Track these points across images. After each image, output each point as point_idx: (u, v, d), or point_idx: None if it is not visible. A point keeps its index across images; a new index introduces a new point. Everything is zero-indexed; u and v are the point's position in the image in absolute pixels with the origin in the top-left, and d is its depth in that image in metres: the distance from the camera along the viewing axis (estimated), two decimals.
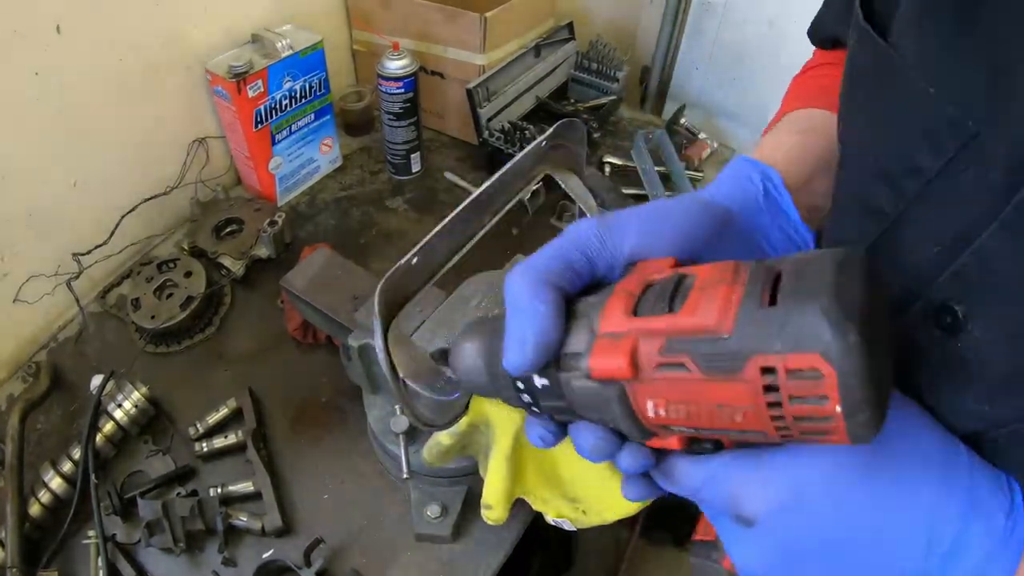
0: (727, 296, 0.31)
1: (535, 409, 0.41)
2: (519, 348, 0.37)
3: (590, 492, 0.74)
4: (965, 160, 0.34)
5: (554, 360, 0.37)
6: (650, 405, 0.34)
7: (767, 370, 0.29)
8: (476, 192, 0.65)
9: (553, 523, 0.78)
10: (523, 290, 0.37)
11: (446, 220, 0.62)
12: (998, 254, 0.33)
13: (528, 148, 0.69)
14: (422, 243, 0.60)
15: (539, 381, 0.39)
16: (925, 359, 0.38)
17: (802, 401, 0.29)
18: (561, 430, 0.42)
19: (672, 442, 0.36)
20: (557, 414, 0.40)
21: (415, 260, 0.58)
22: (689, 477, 0.38)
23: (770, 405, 0.30)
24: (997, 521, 0.33)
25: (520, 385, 0.40)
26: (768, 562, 0.36)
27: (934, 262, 0.36)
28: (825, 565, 0.35)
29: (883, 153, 0.40)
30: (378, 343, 0.58)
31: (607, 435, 0.38)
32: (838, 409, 0.28)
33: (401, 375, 0.63)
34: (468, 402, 0.72)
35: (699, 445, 0.36)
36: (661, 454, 0.38)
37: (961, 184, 0.35)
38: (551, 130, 0.71)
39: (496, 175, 0.67)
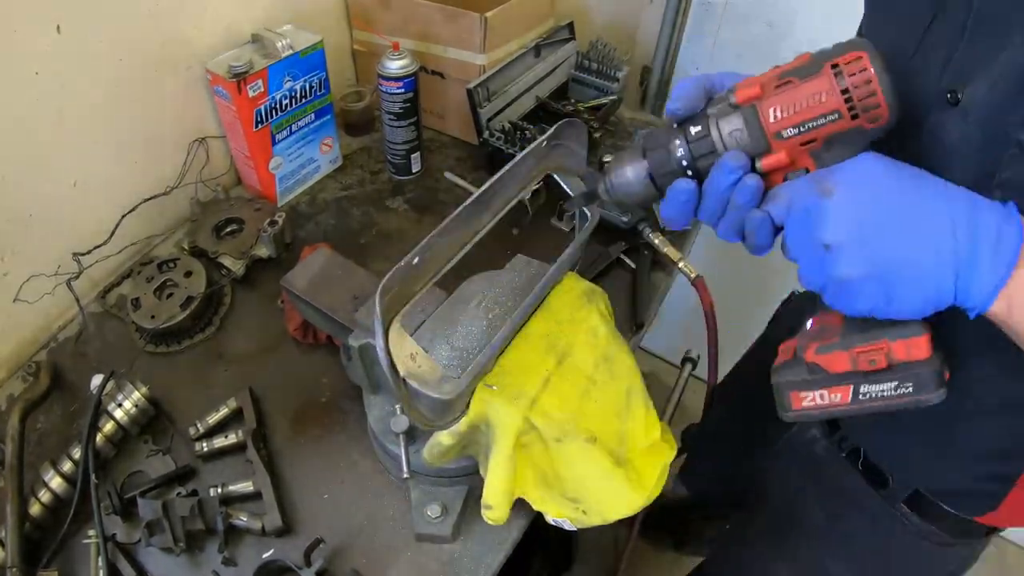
0: (805, 55, 0.56)
1: (684, 164, 0.60)
2: (674, 95, 0.61)
3: (591, 492, 0.74)
4: (941, 16, 0.59)
5: (702, 113, 0.60)
6: (771, 112, 0.55)
7: (835, 66, 0.53)
8: (476, 192, 0.65)
9: (553, 523, 0.78)
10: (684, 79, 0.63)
11: (446, 220, 0.62)
12: (970, 52, 0.56)
13: (529, 148, 0.70)
14: (422, 243, 0.60)
15: (693, 129, 0.59)
16: (944, 124, 0.58)
17: (853, 76, 0.52)
18: (698, 191, 0.61)
19: (781, 157, 0.56)
20: (703, 159, 0.60)
21: (415, 260, 0.58)
22: (788, 188, 0.56)
23: (839, 83, 0.52)
24: (998, 207, 0.50)
25: (678, 142, 0.60)
26: (847, 228, 0.51)
27: (939, 71, 0.58)
28: (882, 236, 0.50)
29: (900, 16, 0.64)
30: (379, 342, 0.58)
31: (740, 155, 0.57)
32: (872, 70, 0.51)
33: (402, 374, 0.63)
34: (468, 402, 0.72)
35: (795, 173, 0.57)
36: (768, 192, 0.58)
37: (948, 26, 0.58)
38: (552, 130, 0.72)
39: (497, 175, 0.67)
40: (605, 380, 0.76)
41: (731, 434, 1.37)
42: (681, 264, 1.06)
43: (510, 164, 0.68)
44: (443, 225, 0.62)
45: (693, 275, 1.02)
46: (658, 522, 1.81)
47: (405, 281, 0.61)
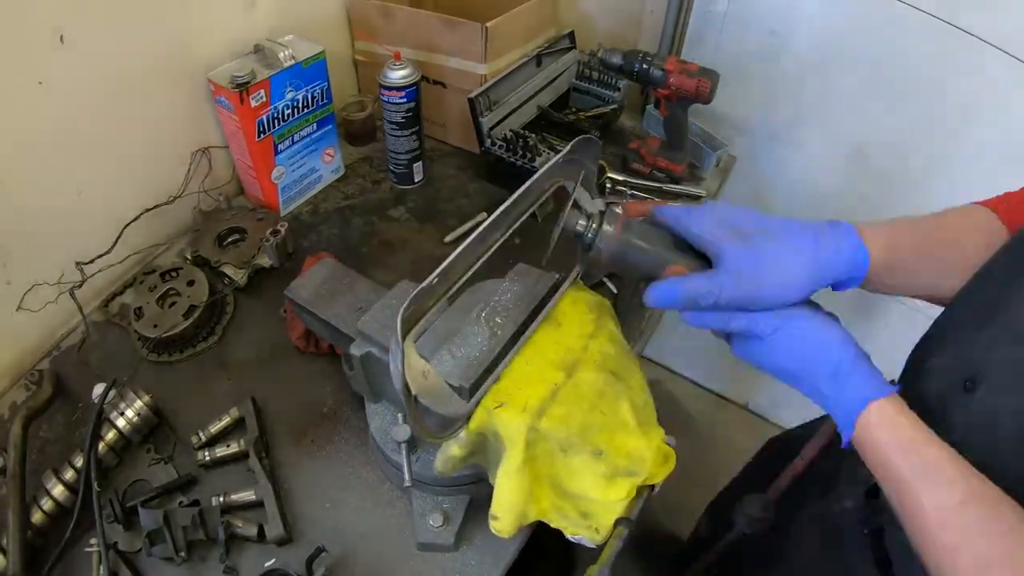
0: None
1: None
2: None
3: (596, 509, 0.73)
4: None
5: None
6: None
7: None
8: (497, 211, 0.65)
9: (574, 540, 0.77)
10: None
11: (466, 243, 0.62)
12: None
13: (547, 165, 0.70)
14: (443, 265, 0.60)
15: None
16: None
17: None
18: None
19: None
20: None
21: (435, 282, 0.58)
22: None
23: None
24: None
25: None
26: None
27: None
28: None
29: None
30: (395, 364, 0.58)
31: None
32: None
33: (414, 392, 0.63)
34: (470, 414, 0.72)
35: None
36: None
37: None
38: (569, 145, 0.72)
39: (516, 193, 0.67)
40: (614, 396, 0.75)
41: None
42: None
43: (529, 182, 0.69)
44: (464, 246, 0.62)
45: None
46: (679, 564, 1.79)
47: (423, 301, 0.61)
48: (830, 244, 0.65)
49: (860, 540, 0.81)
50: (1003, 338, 0.60)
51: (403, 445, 0.79)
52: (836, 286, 0.68)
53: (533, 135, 1.31)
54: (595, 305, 0.84)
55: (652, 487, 0.73)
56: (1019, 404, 0.57)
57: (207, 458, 0.89)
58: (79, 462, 0.84)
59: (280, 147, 1.22)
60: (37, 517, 0.82)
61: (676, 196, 1.34)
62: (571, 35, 1.49)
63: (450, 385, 0.71)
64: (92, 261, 1.04)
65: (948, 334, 0.71)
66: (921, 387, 0.69)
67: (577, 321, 0.81)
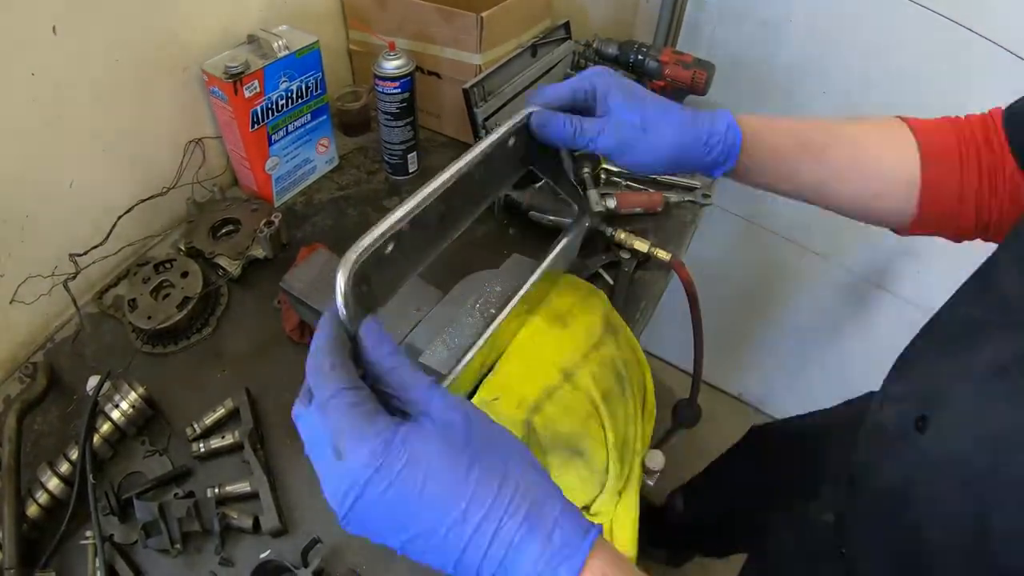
0: None
1: None
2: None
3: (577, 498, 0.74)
4: None
5: None
6: None
7: None
8: (451, 169, 0.64)
9: None
10: None
11: (422, 194, 0.60)
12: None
13: (500, 130, 0.69)
14: (393, 218, 0.58)
15: None
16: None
17: None
18: None
19: None
20: None
21: (389, 248, 0.56)
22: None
23: None
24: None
25: None
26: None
27: None
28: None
29: None
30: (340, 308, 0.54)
31: None
32: None
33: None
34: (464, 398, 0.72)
35: None
36: None
37: None
38: (520, 115, 0.71)
39: (469, 155, 0.66)
40: (608, 414, 0.75)
41: (743, 489, 1.31)
42: (654, 252, 1.09)
43: (483, 144, 0.67)
44: (418, 200, 0.60)
45: (668, 258, 1.04)
46: (655, 538, 1.81)
47: (380, 270, 0.60)
48: (705, 117, 0.72)
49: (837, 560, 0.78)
50: (962, 374, 0.56)
51: None
52: (710, 167, 0.72)
53: None
54: (605, 316, 0.83)
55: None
56: (965, 452, 0.53)
57: (202, 450, 0.89)
58: (74, 455, 0.85)
59: (274, 138, 1.21)
60: (32, 510, 0.82)
61: (670, 187, 1.34)
62: (566, 25, 1.48)
63: (441, 374, 0.71)
64: (86, 253, 1.03)
65: (914, 358, 0.68)
66: (883, 415, 0.67)
67: (585, 327, 0.80)
